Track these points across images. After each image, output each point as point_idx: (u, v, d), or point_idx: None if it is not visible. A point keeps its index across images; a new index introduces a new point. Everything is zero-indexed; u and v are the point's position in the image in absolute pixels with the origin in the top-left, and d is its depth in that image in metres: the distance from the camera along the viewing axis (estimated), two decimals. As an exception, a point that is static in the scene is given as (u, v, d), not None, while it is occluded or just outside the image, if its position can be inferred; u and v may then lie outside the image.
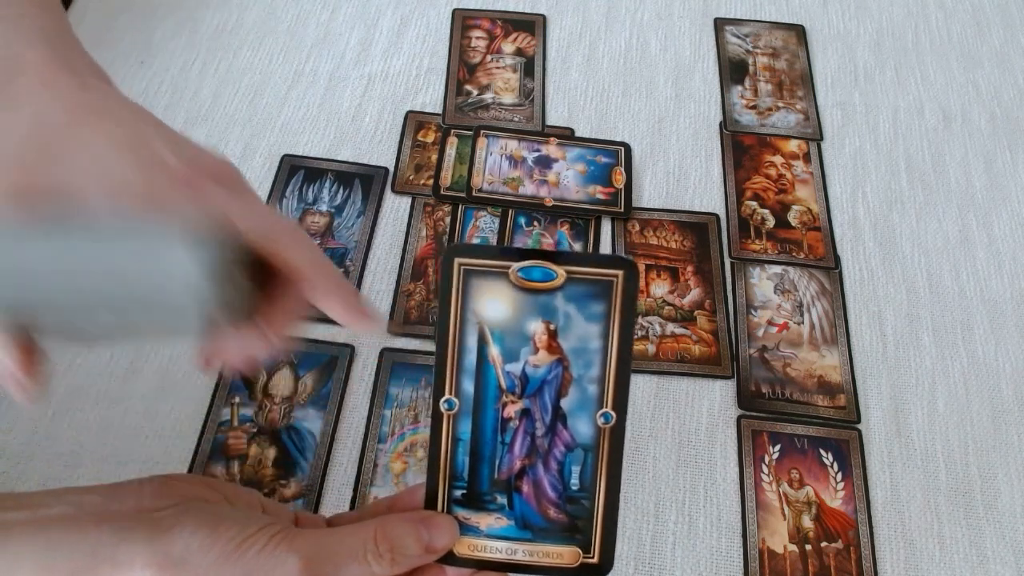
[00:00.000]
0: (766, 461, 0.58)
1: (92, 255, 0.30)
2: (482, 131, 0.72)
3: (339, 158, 0.71)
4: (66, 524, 0.31)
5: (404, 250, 0.66)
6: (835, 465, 0.58)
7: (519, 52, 0.78)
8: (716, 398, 0.60)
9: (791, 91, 0.77)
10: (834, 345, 0.63)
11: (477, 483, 0.38)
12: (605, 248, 0.67)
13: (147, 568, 0.30)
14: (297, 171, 0.70)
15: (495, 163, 0.70)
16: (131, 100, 0.35)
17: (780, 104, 0.76)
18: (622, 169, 0.71)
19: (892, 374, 0.62)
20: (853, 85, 0.78)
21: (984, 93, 0.77)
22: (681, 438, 0.59)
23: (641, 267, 0.66)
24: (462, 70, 0.77)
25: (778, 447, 0.58)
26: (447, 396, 0.37)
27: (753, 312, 0.64)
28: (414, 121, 0.73)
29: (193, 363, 0.38)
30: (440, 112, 0.74)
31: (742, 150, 0.73)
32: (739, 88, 0.77)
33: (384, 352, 0.61)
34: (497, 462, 0.37)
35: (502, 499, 0.38)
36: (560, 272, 0.35)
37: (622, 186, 0.70)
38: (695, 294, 0.65)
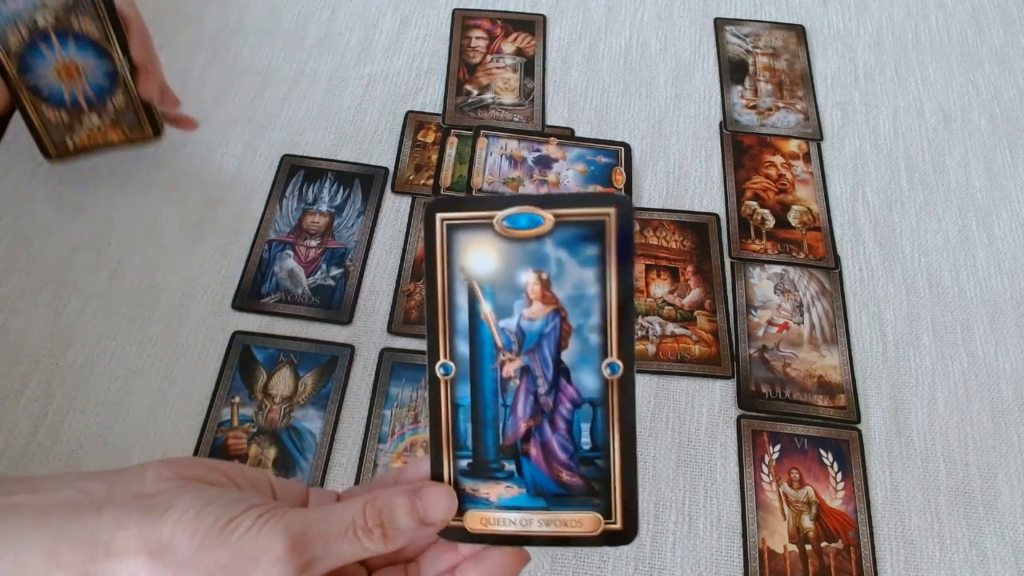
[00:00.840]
0: (766, 461, 0.58)
1: None
2: (482, 131, 0.72)
3: (339, 158, 0.71)
4: (70, 511, 0.31)
5: (404, 250, 0.66)
6: (835, 465, 0.58)
7: (519, 52, 0.78)
8: (716, 398, 0.60)
9: (791, 91, 0.77)
10: (834, 345, 0.63)
11: (482, 450, 0.35)
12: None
13: (139, 554, 0.30)
14: (297, 171, 0.70)
15: (495, 163, 0.70)
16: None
17: (780, 104, 0.76)
18: (622, 169, 0.71)
19: (892, 374, 0.62)
20: (853, 85, 0.78)
21: (984, 93, 0.77)
22: (681, 438, 0.59)
23: (641, 267, 0.66)
24: (462, 70, 0.77)
25: (778, 447, 0.58)
26: (442, 360, 0.35)
27: (753, 312, 0.64)
28: (414, 121, 0.73)
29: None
30: (440, 112, 0.74)
31: (742, 150, 0.73)
32: (739, 88, 0.77)
33: (384, 352, 0.61)
34: (501, 426, 0.35)
35: (510, 466, 0.35)
36: (547, 216, 0.33)
37: (622, 186, 0.70)
38: (695, 294, 0.65)
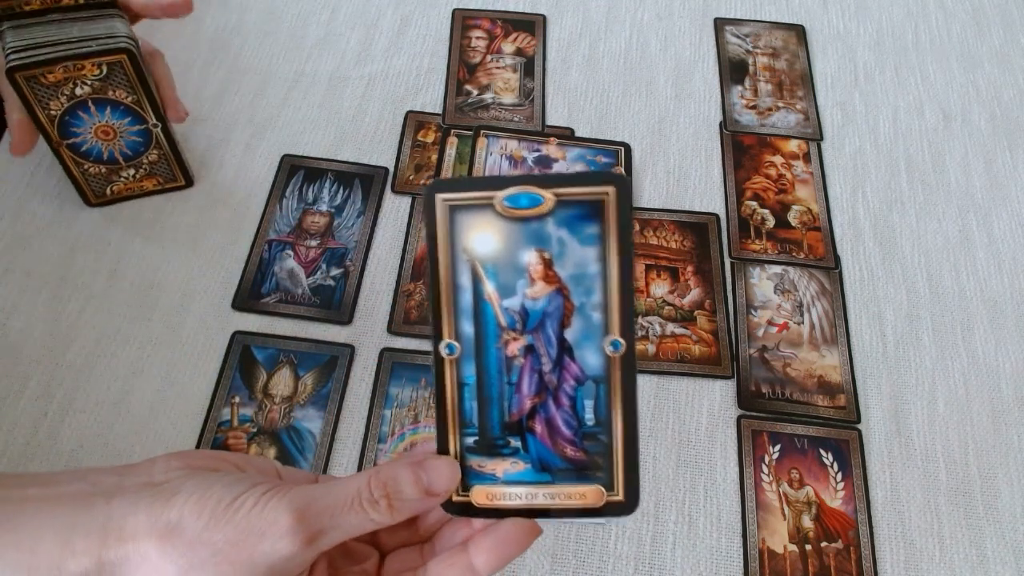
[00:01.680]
0: (766, 461, 0.58)
1: None
2: (482, 131, 0.72)
3: (339, 158, 0.71)
4: (82, 501, 0.32)
5: (404, 250, 0.66)
6: (835, 465, 0.58)
7: (519, 52, 0.78)
8: (716, 398, 0.60)
9: (791, 91, 0.77)
10: (834, 345, 0.63)
11: (488, 428, 0.36)
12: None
13: (150, 538, 0.31)
14: (297, 171, 0.70)
15: (495, 163, 0.70)
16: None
17: (780, 104, 0.76)
18: (622, 169, 0.71)
19: (892, 374, 0.62)
20: (853, 85, 0.78)
21: (984, 93, 0.77)
22: (681, 438, 0.59)
23: (641, 267, 0.66)
24: (462, 70, 0.77)
25: (778, 447, 0.58)
26: (446, 340, 0.35)
27: (753, 312, 0.64)
28: (414, 121, 0.73)
29: None
30: (440, 112, 0.74)
31: (742, 150, 0.73)
32: (739, 88, 0.77)
33: (384, 352, 0.61)
34: (506, 404, 0.35)
35: (516, 442, 0.36)
36: (548, 196, 0.33)
37: (622, 186, 0.70)
38: (695, 294, 0.65)
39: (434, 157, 0.71)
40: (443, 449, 0.36)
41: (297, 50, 0.77)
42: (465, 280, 0.35)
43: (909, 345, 0.63)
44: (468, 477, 0.36)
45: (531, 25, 0.80)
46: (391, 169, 0.70)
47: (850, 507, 0.56)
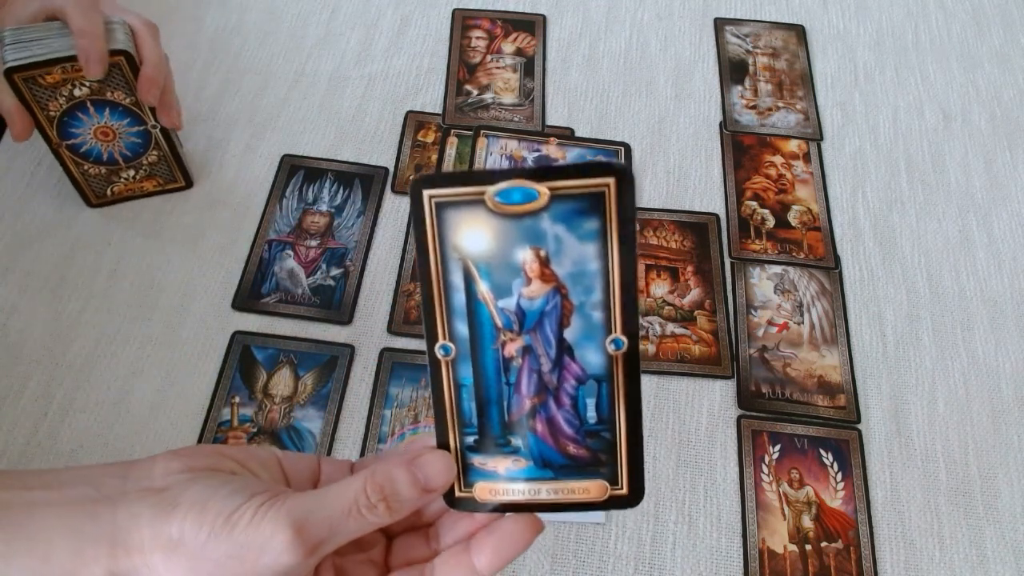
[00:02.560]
0: (766, 461, 0.58)
1: None
2: (482, 131, 0.72)
3: (339, 158, 0.71)
4: (87, 509, 0.32)
5: (404, 250, 0.66)
6: (835, 465, 0.58)
7: (519, 52, 0.78)
8: (716, 398, 0.60)
9: (791, 91, 0.77)
10: (834, 345, 0.63)
11: (488, 427, 0.35)
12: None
13: (154, 552, 0.31)
14: (297, 171, 0.70)
15: (495, 163, 0.70)
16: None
17: (780, 104, 0.76)
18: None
19: (892, 374, 0.62)
20: (853, 85, 0.78)
21: (984, 93, 0.77)
22: (681, 438, 0.59)
23: (641, 267, 0.66)
24: (462, 70, 0.77)
25: (778, 447, 0.58)
26: (441, 342, 0.34)
27: (753, 312, 0.64)
28: (414, 121, 0.73)
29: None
30: (440, 112, 0.74)
31: (742, 150, 0.73)
32: (739, 88, 0.77)
33: (384, 352, 0.61)
34: (505, 404, 0.34)
35: (517, 441, 0.35)
36: (542, 190, 0.31)
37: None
38: (695, 294, 0.65)
39: (434, 157, 0.71)
40: (442, 444, 0.35)
41: (297, 50, 0.77)
42: (457, 279, 0.33)
43: (909, 345, 0.63)
44: (470, 474, 0.35)
45: (531, 25, 0.80)
46: (391, 169, 0.70)
47: (850, 507, 0.56)
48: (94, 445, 0.56)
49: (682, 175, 0.71)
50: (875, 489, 0.57)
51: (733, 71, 0.78)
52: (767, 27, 0.81)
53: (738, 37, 0.80)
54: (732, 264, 0.66)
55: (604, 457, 0.35)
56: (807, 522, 0.56)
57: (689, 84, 0.77)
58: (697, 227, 0.68)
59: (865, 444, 0.59)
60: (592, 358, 0.33)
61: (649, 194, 0.70)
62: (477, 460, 0.35)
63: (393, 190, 0.69)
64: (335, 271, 0.65)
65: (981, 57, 0.80)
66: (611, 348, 0.33)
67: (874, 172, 0.72)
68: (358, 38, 0.79)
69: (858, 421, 0.60)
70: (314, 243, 0.66)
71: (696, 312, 0.64)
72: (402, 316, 0.63)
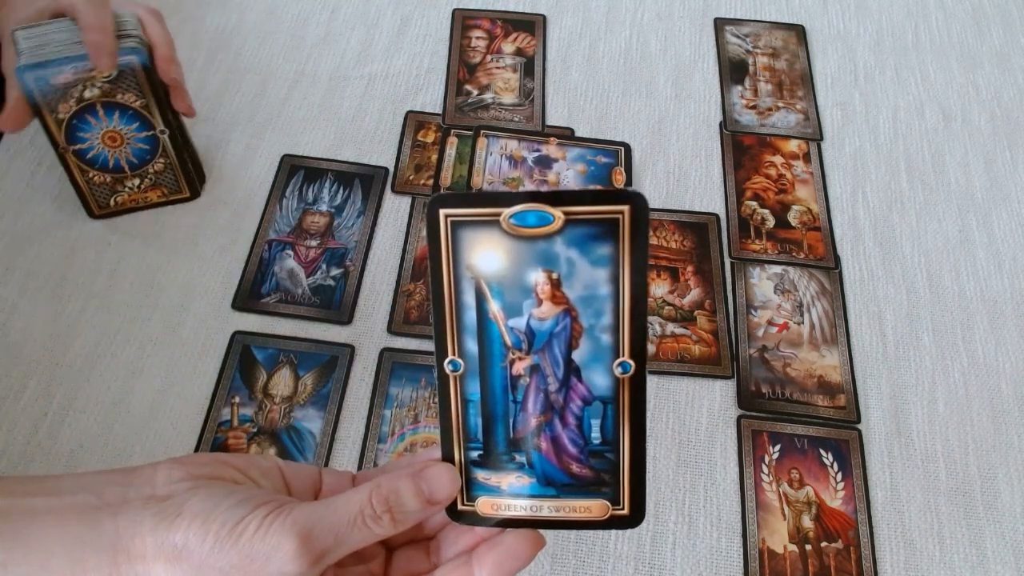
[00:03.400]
0: (766, 461, 0.58)
1: None
2: (482, 131, 0.72)
3: (339, 158, 0.71)
4: (88, 517, 0.32)
5: (404, 250, 0.66)
6: (835, 465, 0.58)
7: (519, 52, 0.78)
8: (716, 398, 0.60)
9: (791, 91, 0.77)
10: (834, 345, 0.63)
11: (493, 443, 0.35)
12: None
13: (157, 561, 0.31)
14: (297, 171, 0.70)
15: (495, 163, 0.70)
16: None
17: (780, 104, 0.76)
18: (622, 169, 0.71)
19: (892, 374, 0.62)
20: (853, 85, 0.78)
21: (984, 93, 0.77)
22: (681, 438, 0.59)
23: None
24: (462, 70, 0.77)
25: (778, 447, 0.58)
26: (450, 357, 0.34)
27: (753, 312, 0.64)
28: (414, 121, 0.73)
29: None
30: (440, 112, 0.74)
31: (742, 150, 0.73)
32: (739, 88, 0.77)
33: (384, 352, 0.61)
34: (511, 421, 0.35)
35: (521, 457, 0.35)
36: (557, 214, 0.32)
37: (622, 186, 0.70)
38: (695, 294, 0.65)
39: (434, 157, 0.71)
40: (448, 457, 0.36)
41: (297, 50, 0.77)
42: (469, 298, 0.34)
43: (909, 345, 0.63)
44: (473, 488, 0.36)
45: (531, 25, 0.80)
46: (391, 169, 0.70)
47: (850, 507, 0.56)
48: (94, 445, 0.56)
49: (682, 175, 0.71)
50: (875, 489, 0.57)
51: (733, 71, 0.78)
52: (767, 27, 0.81)
53: (738, 37, 0.80)
54: (732, 264, 0.66)
55: (607, 477, 0.35)
56: (807, 522, 0.56)
57: (689, 84, 0.77)
58: (697, 227, 0.68)
59: (865, 444, 0.59)
60: (599, 380, 0.34)
61: (649, 194, 0.70)
62: (481, 475, 0.36)
63: (393, 190, 0.69)
64: (335, 271, 0.65)
65: (981, 57, 0.80)
66: (618, 371, 0.34)
67: (874, 172, 0.72)
68: (358, 38, 0.79)
69: (858, 421, 0.60)
70: (314, 243, 0.66)
71: (696, 312, 0.64)
72: (402, 316, 0.63)
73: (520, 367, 0.34)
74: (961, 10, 0.83)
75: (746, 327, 0.63)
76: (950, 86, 0.78)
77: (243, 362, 0.60)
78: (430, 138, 0.72)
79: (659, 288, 0.65)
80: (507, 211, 0.32)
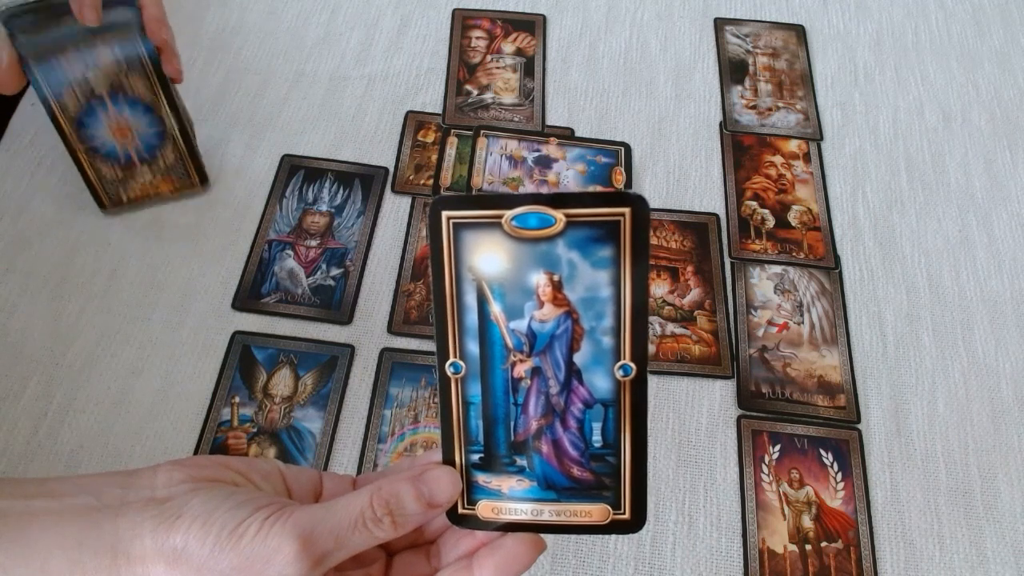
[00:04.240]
0: (766, 461, 0.58)
1: None
2: (482, 131, 0.72)
3: (339, 158, 0.71)
4: (88, 519, 0.32)
5: (404, 250, 0.66)
6: (835, 465, 0.58)
7: (519, 52, 0.78)
8: (716, 398, 0.60)
9: (791, 91, 0.77)
10: (834, 345, 0.63)
11: (493, 446, 0.35)
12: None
13: (157, 563, 0.31)
14: (297, 171, 0.70)
15: (495, 163, 0.70)
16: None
17: (780, 104, 0.76)
18: (622, 169, 0.71)
19: (892, 374, 0.62)
20: (853, 85, 0.78)
21: (984, 93, 0.77)
22: (681, 438, 0.59)
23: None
24: (462, 70, 0.77)
25: (778, 447, 0.58)
26: (452, 359, 0.34)
27: (753, 312, 0.64)
28: (414, 121, 0.73)
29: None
30: (440, 112, 0.74)
31: (742, 150, 0.73)
32: (739, 88, 0.77)
33: (384, 352, 0.61)
34: (512, 424, 0.35)
35: (522, 461, 0.35)
36: (559, 217, 0.32)
37: (622, 186, 0.70)
38: (695, 294, 0.65)
39: (434, 157, 0.71)
40: (448, 460, 0.36)
41: (297, 50, 0.77)
42: (471, 300, 0.34)
43: (909, 345, 0.63)
44: (474, 492, 0.36)
45: (531, 25, 0.80)
46: (391, 169, 0.70)
47: (850, 507, 0.56)
48: (94, 445, 0.56)
49: (682, 175, 0.71)
50: (875, 489, 0.57)
51: (733, 71, 0.78)
52: (767, 27, 0.81)
53: (738, 37, 0.80)
54: (732, 264, 0.66)
55: (608, 481, 0.35)
56: (807, 522, 0.56)
57: (689, 84, 0.77)
58: (697, 227, 0.68)
59: (865, 444, 0.59)
60: (600, 383, 0.34)
61: (649, 194, 0.70)
62: (482, 478, 0.35)
63: (393, 190, 0.69)
64: (335, 271, 0.65)
65: (981, 57, 0.80)
66: (619, 374, 0.34)
67: (874, 172, 0.72)
68: (358, 38, 0.79)
69: (858, 421, 0.60)
70: (314, 243, 0.66)
71: (696, 312, 0.64)
72: (402, 316, 0.63)
73: (521, 369, 0.34)
74: (961, 10, 0.83)
75: (746, 327, 0.63)
76: (950, 86, 0.78)
77: (243, 362, 0.60)
78: (430, 138, 0.72)
79: (659, 288, 0.65)
80: (509, 213, 0.32)
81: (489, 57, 0.78)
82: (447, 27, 0.80)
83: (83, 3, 0.53)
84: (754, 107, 0.75)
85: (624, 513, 0.35)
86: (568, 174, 0.70)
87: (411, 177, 0.70)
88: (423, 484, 0.34)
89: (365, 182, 0.69)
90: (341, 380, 0.60)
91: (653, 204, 0.69)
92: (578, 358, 0.34)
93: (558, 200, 0.32)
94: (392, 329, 0.62)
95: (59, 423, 0.57)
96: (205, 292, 0.63)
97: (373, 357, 0.61)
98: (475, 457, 0.35)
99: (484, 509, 0.36)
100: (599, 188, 0.70)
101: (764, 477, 0.57)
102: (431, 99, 0.75)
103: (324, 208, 0.68)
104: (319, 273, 0.64)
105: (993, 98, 0.77)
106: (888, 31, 0.82)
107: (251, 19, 0.79)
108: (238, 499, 0.32)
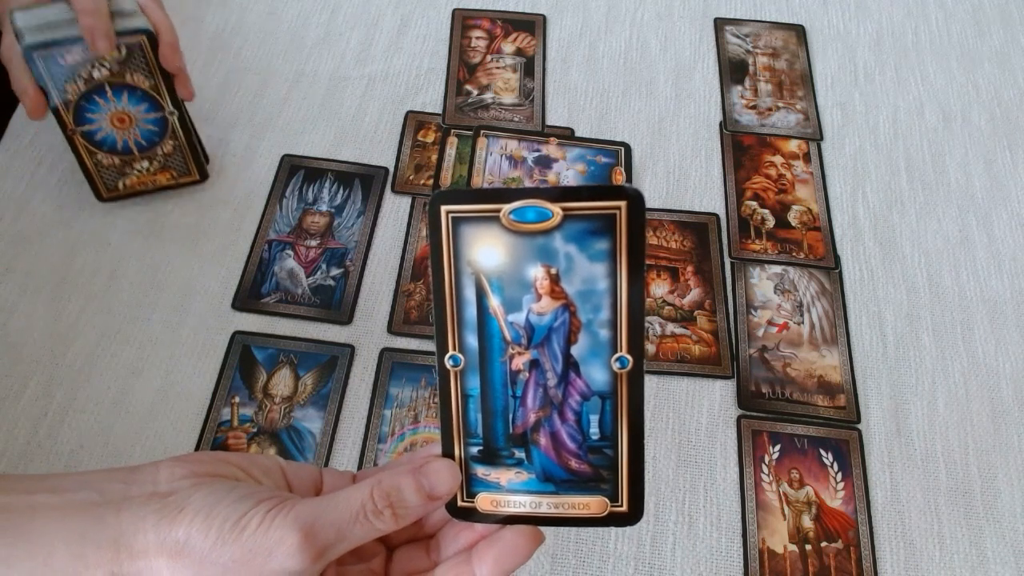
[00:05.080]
0: (766, 461, 0.58)
1: None
2: (482, 131, 0.72)
3: (339, 158, 0.71)
4: (91, 513, 0.32)
5: (404, 250, 0.66)
6: (835, 465, 0.58)
7: (519, 52, 0.78)
8: (716, 398, 0.60)
9: (791, 91, 0.77)
10: (834, 345, 0.63)
11: (492, 439, 0.35)
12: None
13: (160, 556, 0.31)
14: (297, 171, 0.70)
15: (495, 163, 0.70)
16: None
17: (780, 104, 0.76)
18: (622, 169, 0.71)
19: (892, 374, 0.62)
20: (853, 85, 0.78)
21: (984, 93, 0.77)
22: (681, 438, 0.59)
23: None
24: (462, 70, 0.77)
25: (778, 447, 0.58)
26: (451, 352, 0.35)
27: (753, 312, 0.64)
28: (414, 121, 0.73)
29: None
30: (440, 112, 0.74)
31: (742, 150, 0.73)
32: (739, 88, 0.77)
33: (384, 352, 0.61)
34: (510, 416, 0.35)
35: (520, 453, 0.35)
36: (556, 210, 0.32)
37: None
38: (695, 294, 0.65)
39: (434, 157, 0.71)
40: (448, 453, 0.36)
41: (297, 50, 0.77)
42: (469, 293, 0.34)
43: (909, 345, 0.63)
44: (473, 484, 0.36)
45: (531, 25, 0.80)
46: (391, 169, 0.70)
47: (850, 507, 0.56)
48: (94, 445, 0.56)
49: (682, 175, 0.71)
50: (875, 489, 0.57)
51: (733, 71, 0.78)
52: (767, 27, 0.81)
53: (738, 37, 0.80)
54: (732, 264, 0.66)
55: (605, 473, 0.35)
56: (807, 522, 0.56)
57: (689, 84, 0.77)
58: (697, 227, 0.68)
59: (865, 444, 0.59)
60: (597, 375, 0.34)
61: (649, 194, 0.70)
62: (481, 471, 0.36)
63: (393, 190, 0.69)
64: (335, 271, 0.65)
65: (981, 57, 0.80)
66: (616, 366, 0.34)
67: (874, 172, 0.72)
68: (358, 38, 0.79)
69: (858, 421, 0.60)
70: (314, 243, 0.66)
71: (696, 312, 0.64)
72: (402, 316, 0.63)
73: (519, 362, 0.35)
74: (961, 10, 0.83)
75: (746, 327, 0.63)
76: (950, 86, 0.78)
77: (243, 362, 0.60)
78: (430, 138, 0.72)
79: (659, 288, 0.65)
80: (507, 207, 0.33)
81: (489, 57, 0.78)
82: (447, 27, 0.80)
83: (95, 35, 0.54)
84: (754, 107, 0.75)
85: (622, 505, 0.35)
86: (568, 174, 0.70)
87: (411, 177, 0.70)
88: (423, 477, 0.34)
89: (365, 182, 0.69)
90: (341, 380, 0.60)
91: (653, 204, 0.69)
92: (575, 350, 0.34)
93: (555, 194, 0.32)
94: (392, 329, 0.62)
95: (59, 423, 0.57)
96: (205, 292, 0.63)
97: (373, 357, 0.61)
98: (474, 450, 0.36)
99: (483, 502, 0.36)
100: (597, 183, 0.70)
101: (764, 477, 0.57)
102: (431, 99, 0.75)
103: (324, 208, 0.68)
104: (319, 273, 0.64)
105: (993, 98, 0.77)
106: (888, 31, 0.82)
107: (251, 19, 0.79)
108: (240, 493, 0.32)
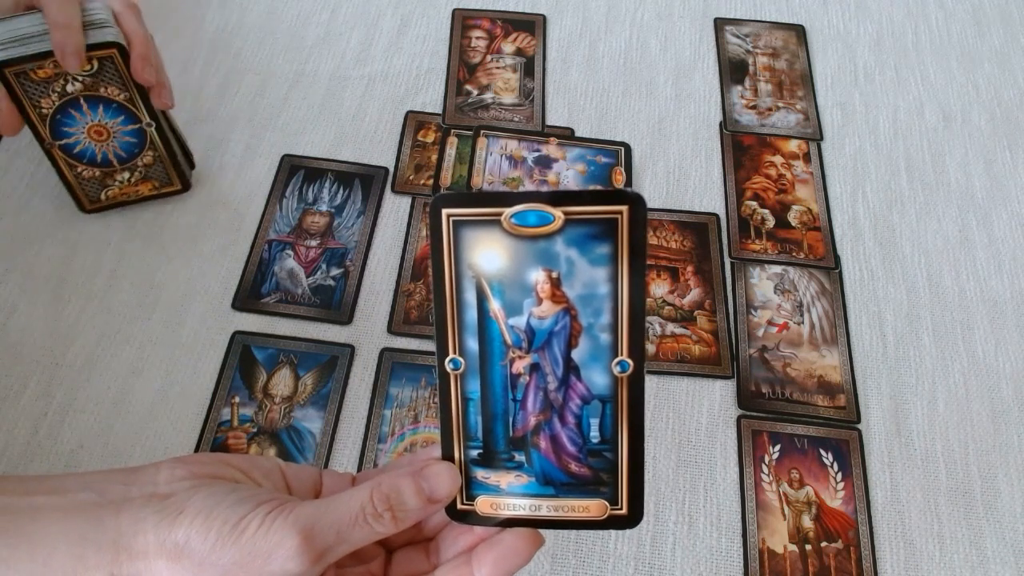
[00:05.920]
0: (766, 461, 0.58)
1: None
2: (482, 131, 0.72)
3: (339, 158, 0.71)
4: (91, 514, 0.32)
5: (404, 250, 0.66)
6: (835, 465, 0.58)
7: (519, 52, 0.78)
8: (716, 398, 0.60)
9: (791, 91, 0.77)
10: (834, 345, 0.63)
11: (492, 442, 0.36)
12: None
13: (159, 557, 0.31)
14: (297, 171, 0.70)
15: (495, 163, 0.70)
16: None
17: (780, 104, 0.76)
18: (622, 169, 0.71)
19: (892, 374, 0.62)
20: (853, 85, 0.78)
21: (984, 93, 0.77)
22: (681, 438, 0.59)
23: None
24: (462, 70, 0.77)
25: (778, 447, 0.58)
26: (451, 356, 0.35)
27: (753, 312, 0.64)
28: (414, 121, 0.73)
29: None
30: (440, 112, 0.74)
31: (742, 150, 0.73)
32: (739, 88, 0.77)
33: (384, 352, 0.61)
34: (511, 420, 0.35)
35: (520, 456, 0.36)
36: (557, 214, 0.32)
37: (622, 186, 0.70)
38: (695, 294, 0.65)
39: (434, 157, 0.71)
40: (448, 456, 0.36)
41: (297, 50, 0.77)
42: (470, 296, 0.34)
43: (909, 345, 0.63)
44: (472, 487, 0.36)
45: (531, 25, 0.80)
46: (391, 169, 0.70)
47: (850, 507, 0.56)
48: (94, 445, 0.56)
49: (682, 175, 0.71)
50: (875, 489, 0.57)
51: (733, 71, 0.78)
52: (767, 27, 0.81)
53: (738, 37, 0.80)
54: (732, 264, 0.66)
55: (605, 477, 0.35)
56: (807, 522, 0.56)
57: (689, 84, 0.77)
58: (697, 227, 0.68)
59: (865, 444, 0.59)
60: (598, 379, 0.34)
61: (649, 194, 0.70)
62: (480, 474, 0.36)
63: (393, 190, 0.69)
64: (335, 271, 0.65)
65: (981, 57, 0.80)
66: (617, 370, 0.34)
67: (874, 172, 0.72)
68: (358, 38, 0.79)
69: (858, 421, 0.60)
70: (314, 243, 0.66)
71: (696, 312, 0.64)
72: (402, 316, 0.63)
73: (520, 366, 0.35)
74: (961, 10, 0.83)
75: (746, 327, 0.63)
76: (950, 86, 0.78)
77: (243, 362, 0.60)
78: (430, 138, 0.72)
79: (659, 288, 0.65)
80: (508, 211, 0.33)
81: (489, 57, 0.78)
82: (447, 27, 0.80)
83: (65, 51, 0.52)
84: (754, 107, 0.75)
85: (621, 508, 0.35)
86: (568, 174, 0.70)
87: (411, 177, 0.70)
88: (423, 479, 0.34)
89: (365, 182, 0.69)
90: (341, 380, 0.60)
91: (653, 204, 0.69)
92: (576, 354, 0.34)
93: (557, 198, 0.32)
94: (392, 329, 0.62)
95: (59, 423, 0.57)
96: (205, 292, 0.63)
97: (373, 357, 0.61)
98: (474, 453, 0.36)
99: (483, 505, 0.36)
100: (598, 187, 0.70)
101: (764, 477, 0.57)
102: (431, 99, 0.75)
103: (324, 208, 0.68)
104: (319, 273, 0.64)
105: (993, 98, 0.77)
106: (888, 31, 0.82)
107: (251, 19, 0.79)
108: (240, 495, 0.32)
